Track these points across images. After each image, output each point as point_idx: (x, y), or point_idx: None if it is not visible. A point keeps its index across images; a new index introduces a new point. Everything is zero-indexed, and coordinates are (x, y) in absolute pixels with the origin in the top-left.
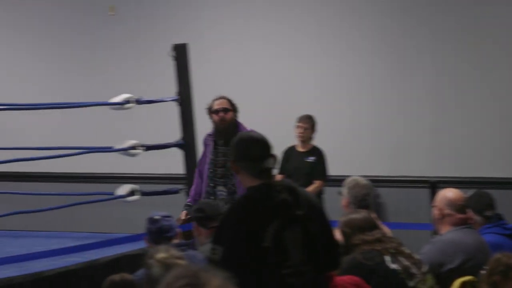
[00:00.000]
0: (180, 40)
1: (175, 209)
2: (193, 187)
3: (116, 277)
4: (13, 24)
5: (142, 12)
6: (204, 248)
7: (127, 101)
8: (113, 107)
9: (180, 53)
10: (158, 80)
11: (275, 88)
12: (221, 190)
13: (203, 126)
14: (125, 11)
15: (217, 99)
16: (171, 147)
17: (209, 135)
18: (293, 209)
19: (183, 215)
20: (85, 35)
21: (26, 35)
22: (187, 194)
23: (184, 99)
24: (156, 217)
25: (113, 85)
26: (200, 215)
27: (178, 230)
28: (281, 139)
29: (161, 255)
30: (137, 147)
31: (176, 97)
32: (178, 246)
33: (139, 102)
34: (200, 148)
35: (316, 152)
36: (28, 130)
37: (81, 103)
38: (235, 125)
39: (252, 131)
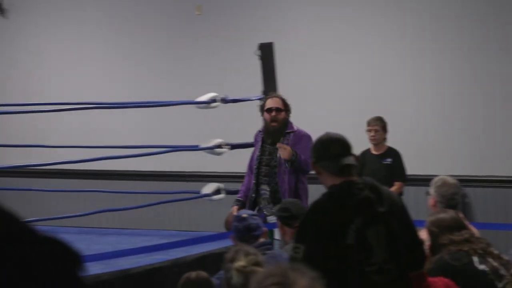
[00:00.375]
0: (266, 39)
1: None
2: (244, 183)
3: (192, 274)
4: (103, 24)
5: (228, 12)
6: (289, 247)
7: (213, 100)
8: (199, 106)
9: (266, 52)
10: (243, 79)
11: (360, 88)
12: (264, 189)
13: None
14: (211, 10)
15: (270, 97)
16: None
17: (259, 131)
18: (375, 206)
19: (234, 210)
20: (172, 35)
21: (115, 35)
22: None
23: None
24: (244, 215)
25: (199, 84)
26: (285, 215)
27: (264, 229)
28: (364, 139)
29: (240, 263)
30: (222, 146)
31: (261, 96)
32: (263, 245)
33: (225, 101)
34: None
35: (392, 153)
36: (115, 128)
37: (167, 102)
38: (286, 125)
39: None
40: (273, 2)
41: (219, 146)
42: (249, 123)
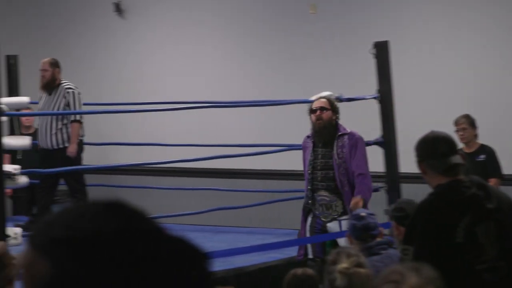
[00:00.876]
0: (380, 37)
1: (374, 207)
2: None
3: (299, 271)
4: (218, 24)
5: (343, 10)
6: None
7: None
8: None
9: (381, 50)
10: (358, 78)
11: (475, 88)
12: (321, 195)
13: (403, 124)
14: (325, 9)
15: (316, 99)
16: (371, 145)
17: (307, 137)
18: (484, 203)
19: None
20: (286, 34)
21: (230, 34)
22: (387, 192)
23: (385, 97)
24: (362, 214)
25: (314, 83)
26: (400, 214)
27: (381, 228)
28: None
29: (342, 265)
30: None
31: (376, 95)
32: (379, 244)
33: (339, 99)
34: (400, 147)
35: (485, 150)
36: (230, 127)
37: (282, 100)
38: (334, 127)
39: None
40: (389, 0)
41: None
42: (364, 122)
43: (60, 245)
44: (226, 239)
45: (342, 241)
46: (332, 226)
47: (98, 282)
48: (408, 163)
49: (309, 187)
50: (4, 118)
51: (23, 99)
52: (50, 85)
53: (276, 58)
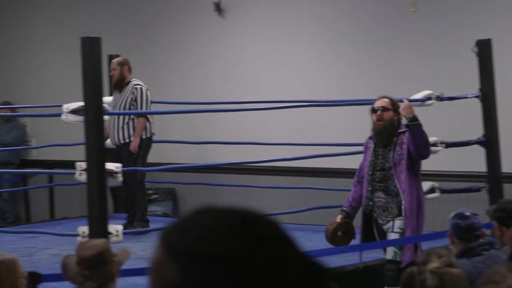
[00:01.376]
0: (482, 35)
1: (475, 207)
2: (351, 193)
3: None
4: (317, 23)
5: (444, 8)
6: (506, 248)
7: (428, 98)
8: (413, 104)
9: (484, 48)
10: (459, 76)
11: None
12: (379, 196)
13: (506, 123)
14: (427, 7)
15: (378, 98)
16: (472, 144)
17: (370, 138)
18: None
19: (338, 218)
20: (385, 32)
21: (328, 32)
22: (489, 192)
23: (487, 96)
24: (467, 213)
25: (413, 82)
26: (503, 215)
27: (484, 229)
28: None
29: (433, 265)
30: (437, 144)
31: (478, 94)
32: (481, 245)
33: (440, 98)
34: (502, 146)
35: None
36: (329, 126)
37: None
38: (396, 127)
39: None
40: None
41: (434, 144)
42: (465, 121)
43: (192, 256)
44: (324, 238)
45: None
46: (386, 227)
47: None
48: (511, 162)
49: (369, 189)
50: (107, 117)
51: None
52: (120, 84)
53: (374, 56)
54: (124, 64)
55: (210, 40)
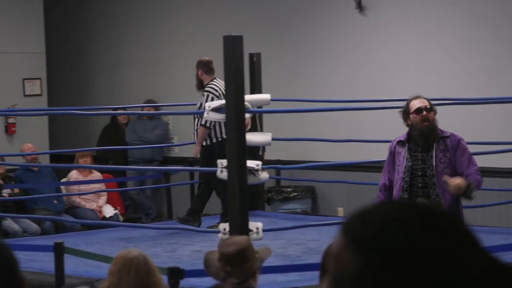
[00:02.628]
0: None
1: None
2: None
3: None
4: (462, 21)
5: None
6: None
7: None
8: None
9: None
10: None
11: None
12: None
13: None
14: None
15: (414, 99)
16: None
17: (398, 142)
18: None
19: None
20: None
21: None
22: None
23: None
24: None
25: None
26: None
27: None
28: None
29: None
30: None
31: None
32: None
33: None
34: None
35: None
36: (475, 124)
37: None
38: (437, 127)
39: None
40: None
41: None
42: None
43: (373, 248)
44: None
45: None
46: None
47: None
48: None
49: (405, 196)
50: (248, 115)
51: (265, 96)
52: (199, 85)
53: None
54: (198, 66)
55: (351, 38)
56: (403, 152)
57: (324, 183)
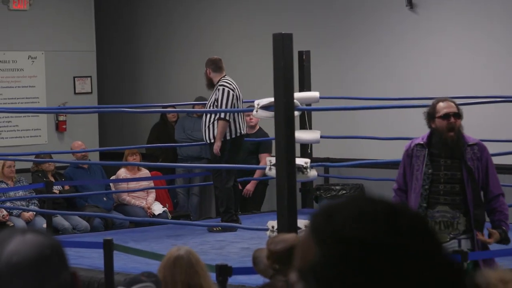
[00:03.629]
0: None
1: None
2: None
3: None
4: (508, 16)
5: None
6: None
7: None
8: None
9: None
10: None
11: None
12: (442, 211)
13: None
14: None
15: (442, 101)
16: None
17: (417, 144)
18: None
19: None
20: None
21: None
22: None
23: None
24: None
25: None
26: None
27: None
28: None
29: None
30: None
31: None
32: None
33: None
34: None
35: None
36: None
37: None
38: (461, 138)
39: None
40: None
41: None
42: None
43: (333, 240)
44: None
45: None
46: (450, 247)
47: (352, 284)
48: None
49: (423, 204)
50: (297, 113)
51: (314, 94)
52: (209, 84)
53: None
54: (207, 64)
55: (402, 36)
56: (422, 156)
57: (372, 181)
